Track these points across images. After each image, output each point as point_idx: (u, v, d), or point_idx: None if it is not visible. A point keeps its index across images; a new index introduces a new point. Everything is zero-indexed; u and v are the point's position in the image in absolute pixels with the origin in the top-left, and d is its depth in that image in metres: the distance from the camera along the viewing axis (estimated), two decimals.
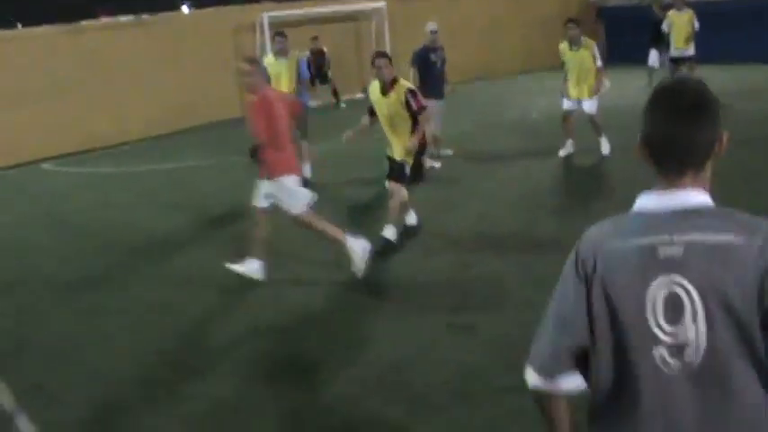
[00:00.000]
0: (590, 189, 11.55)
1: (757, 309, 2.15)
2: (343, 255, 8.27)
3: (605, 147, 12.98)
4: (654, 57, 19.33)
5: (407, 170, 9.29)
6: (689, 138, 2.32)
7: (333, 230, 8.32)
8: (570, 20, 13.25)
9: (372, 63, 9.32)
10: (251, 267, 8.27)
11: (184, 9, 21.60)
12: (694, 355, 2.22)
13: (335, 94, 21.26)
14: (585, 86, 12.88)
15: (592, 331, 2.36)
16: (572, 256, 2.48)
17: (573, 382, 2.44)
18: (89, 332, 7.64)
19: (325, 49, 21.06)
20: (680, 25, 17.27)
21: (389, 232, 9.24)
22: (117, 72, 18.17)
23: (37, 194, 14.13)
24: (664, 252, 2.25)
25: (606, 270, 2.33)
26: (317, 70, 20.55)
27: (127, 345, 7.28)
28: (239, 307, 8.02)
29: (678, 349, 2.23)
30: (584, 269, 2.39)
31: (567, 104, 13.13)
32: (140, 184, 14.16)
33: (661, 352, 2.25)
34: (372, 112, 9.47)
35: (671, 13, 17.61)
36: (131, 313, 8.01)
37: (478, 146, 14.68)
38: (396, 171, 9.32)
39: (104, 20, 19.33)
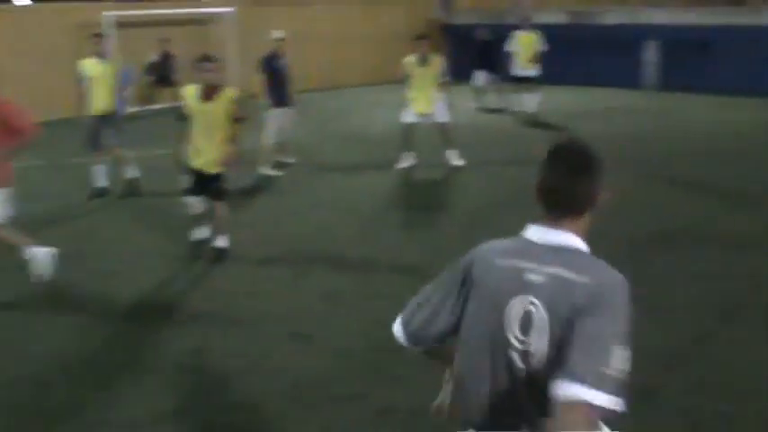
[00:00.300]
0: (430, 202, 11.79)
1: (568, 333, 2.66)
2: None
3: (455, 158, 13.32)
4: (480, 77, 19.85)
5: (224, 183, 9.09)
6: (572, 191, 2.83)
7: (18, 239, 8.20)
8: (420, 35, 13.57)
9: (198, 66, 8.78)
10: None
11: (19, 1, 20.68)
12: (537, 362, 2.72)
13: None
14: (431, 101, 13.19)
15: (459, 320, 2.94)
16: (462, 260, 2.99)
17: (425, 348, 3.14)
18: None
19: (173, 53, 20.76)
20: (525, 45, 17.87)
21: (222, 241, 9.15)
22: None
23: None
24: (528, 276, 2.78)
25: (481, 278, 2.88)
26: (163, 73, 20.32)
27: None
28: None
29: (525, 355, 2.75)
30: (467, 273, 2.93)
31: (409, 117, 13.39)
32: None
33: (513, 355, 2.78)
34: (183, 118, 8.96)
35: (517, 32, 18.20)
36: None
37: (321, 156, 14.79)
38: (214, 188, 9.02)
39: None
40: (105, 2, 20.75)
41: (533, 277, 2.77)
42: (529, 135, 16.13)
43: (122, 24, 20.38)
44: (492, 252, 2.92)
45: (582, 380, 2.51)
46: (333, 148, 15.73)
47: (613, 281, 2.72)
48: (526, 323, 2.74)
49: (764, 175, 12.67)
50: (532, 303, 2.74)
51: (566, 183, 2.82)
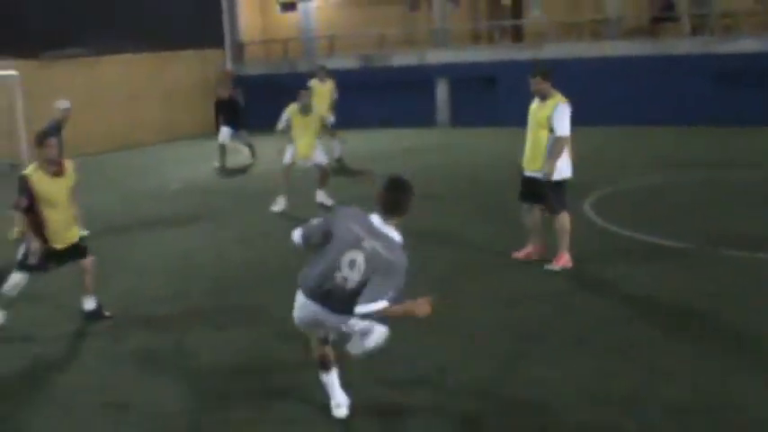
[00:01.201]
0: (247, 255, 11.58)
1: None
2: None
3: (324, 197, 14.17)
4: (225, 133, 19.25)
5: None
6: (402, 203, 5.69)
7: None
8: (303, 89, 14.71)
9: (42, 143, 8.34)
10: None
11: None
12: (353, 283, 5.64)
13: None
14: (312, 147, 14.06)
15: (322, 244, 5.79)
16: (328, 217, 5.94)
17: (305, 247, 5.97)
18: None
19: None
20: (322, 94, 18.01)
21: (92, 303, 8.81)
22: None
23: None
24: (362, 242, 5.63)
25: (337, 229, 5.72)
26: None
27: None
28: None
29: (345, 279, 5.66)
30: (330, 225, 5.79)
31: (289, 158, 14.17)
32: None
33: (337, 275, 5.67)
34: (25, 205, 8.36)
35: (313, 81, 18.31)
36: None
37: (122, 218, 14.31)
38: (79, 251, 8.75)
39: None
40: None
41: (365, 244, 5.62)
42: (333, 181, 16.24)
43: None
44: (348, 216, 5.80)
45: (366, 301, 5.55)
46: (134, 208, 15.29)
47: (401, 261, 5.63)
48: (352, 265, 5.62)
49: None
50: (358, 256, 5.62)
51: (399, 199, 5.69)
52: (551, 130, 9.44)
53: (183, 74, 27.36)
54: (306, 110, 14.13)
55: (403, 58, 26.45)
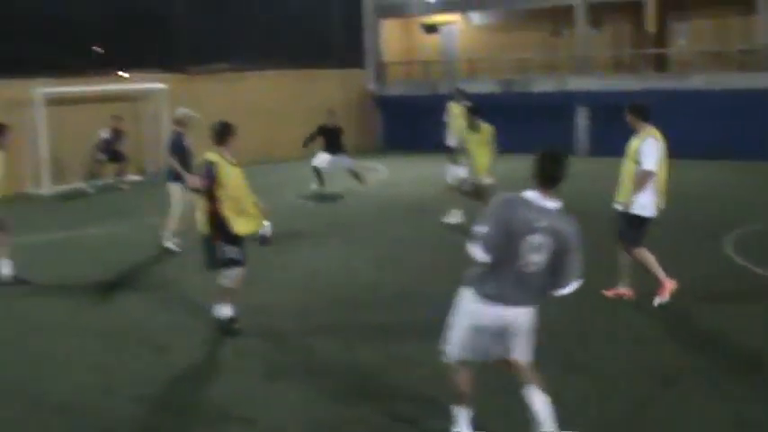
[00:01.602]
0: (377, 275, 11.68)
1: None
2: None
3: (456, 217, 14.60)
4: (324, 159, 18.90)
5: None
6: (558, 174, 5.66)
7: None
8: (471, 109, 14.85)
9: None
10: None
11: None
12: (538, 267, 5.63)
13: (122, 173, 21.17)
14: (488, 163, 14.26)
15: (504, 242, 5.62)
16: (492, 209, 5.79)
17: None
18: None
19: (123, 129, 20.88)
20: (459, 115, 18.01)
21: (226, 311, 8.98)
22: None
23: None
24: (535, 223, 5.57)
25: (507, 221, 5.61)
26: (114, 150, 20.59)
27: None
28: None
29: (530, 265, 5.62)
30: (498, 217, 5.68)
31: (462, 174, 14.52)
32: None
33: (524, 263, 5.62)
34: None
35: (452, 103, 18.47)
36: None
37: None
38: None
39: None
40: (35, 78, 20.46)
41: (539, 224, 5.57)
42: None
43: (52, 101, 20.23)
44: (510, 205, 5.70)
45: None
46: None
47: (573, 229, 5.68)
48: (533, 249, 5.59)
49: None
50: (537, 238, 5.58)
51: (558, 170, 5.63)
52: (638, 163, 9.58)
53: (325, 92, 27.81)
54: (474, 127, 14.24)
55: (543, 84, 26.26)
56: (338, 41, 28.54)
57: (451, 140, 18.38)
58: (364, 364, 7.97)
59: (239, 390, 7.48)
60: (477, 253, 5.63)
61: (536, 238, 5.53)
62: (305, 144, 18.63)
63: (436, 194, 16.88)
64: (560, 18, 27.73)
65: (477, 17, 30.61)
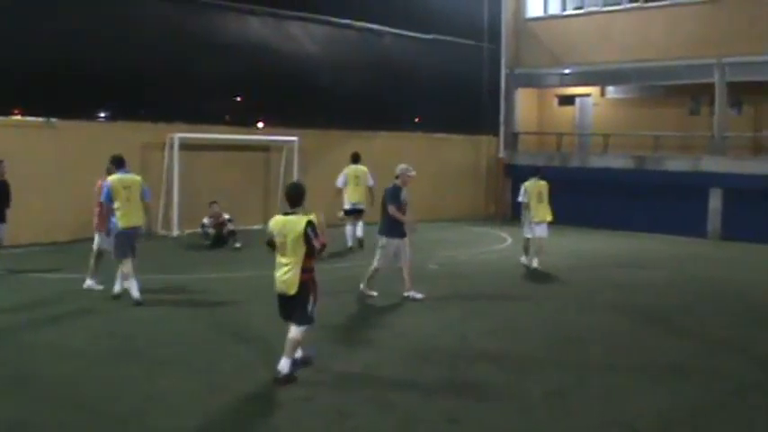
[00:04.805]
0: (491, 345, 11.37)
1: None
2: None
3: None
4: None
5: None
6: None
7: None
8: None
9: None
10: None
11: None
12: None
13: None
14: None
15: None
16: None
17: None
18: None
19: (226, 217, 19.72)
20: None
21: (284, 364, 8.89)
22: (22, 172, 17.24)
23: None
24: None
25: None
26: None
27: None
28: None
29: None
30: None
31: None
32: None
33: None
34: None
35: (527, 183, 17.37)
36: None
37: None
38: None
39: (15, 118, 18.67)
40: (175, 123, 21.23)
41: None
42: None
43: (185, 146, 20.99)
44: None
45: None
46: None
47: None
48: None
49: None
50: None
51: None
52: None
53: (455, 157, 27.88)
54: None
55: (677, 163, 25.61)
56: (471, 109, 28.63)
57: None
58: None
59: None
60: None
61: None
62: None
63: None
64: (698, 96, 27.12)
65: (613, 90, 30.23)
